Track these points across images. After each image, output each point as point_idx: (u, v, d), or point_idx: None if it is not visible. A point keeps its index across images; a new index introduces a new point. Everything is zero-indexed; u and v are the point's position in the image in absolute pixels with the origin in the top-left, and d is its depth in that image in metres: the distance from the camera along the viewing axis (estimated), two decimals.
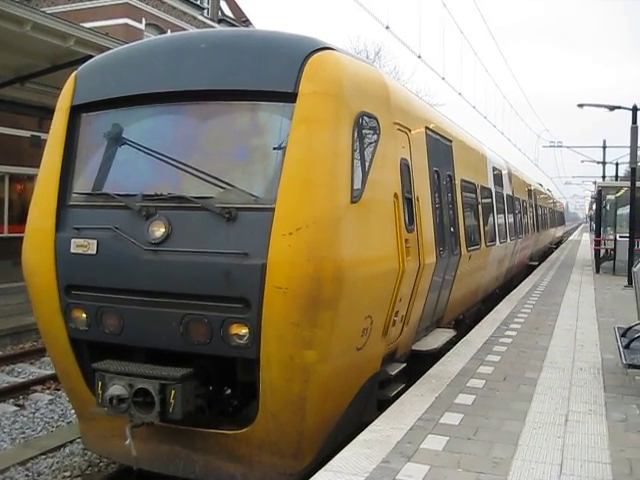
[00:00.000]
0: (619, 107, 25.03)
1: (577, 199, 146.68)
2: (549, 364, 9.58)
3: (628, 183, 24.73)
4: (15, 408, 11.60)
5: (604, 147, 54.22)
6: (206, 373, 6.96)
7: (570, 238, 71.21)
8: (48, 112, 10.13)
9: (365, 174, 6.95)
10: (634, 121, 22.19)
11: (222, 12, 51.36)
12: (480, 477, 5.46)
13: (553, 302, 16.49)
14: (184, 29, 40.33)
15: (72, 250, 7.01)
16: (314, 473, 5.63)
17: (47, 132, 7.93)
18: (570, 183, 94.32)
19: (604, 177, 54.26)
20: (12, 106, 22.95)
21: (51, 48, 18.36)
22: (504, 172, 18.80)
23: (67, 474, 8.81)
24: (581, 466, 5.74)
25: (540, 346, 10.88)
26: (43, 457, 9.31)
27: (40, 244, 7.23)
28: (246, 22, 53.00)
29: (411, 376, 8.74)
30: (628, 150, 28.93)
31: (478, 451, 6.05)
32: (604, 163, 54.37)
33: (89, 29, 20.00)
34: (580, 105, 27.78)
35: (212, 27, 44.45)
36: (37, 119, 25.28)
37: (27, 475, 8.76)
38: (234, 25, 48.63)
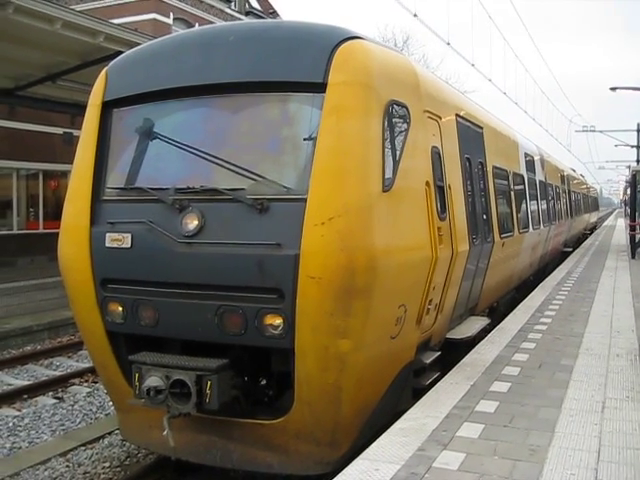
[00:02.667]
0: None
1: (611, 184, 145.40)
2: (585, 351, 9.49)
3: None
4: (54, 401, 11.81)
5: (638, 131, 53.41)
6: (241, 364, 7.00)
7: (604, 224, 70.29)
8: (80, 109, 10.23)
9: (396, 163, 6.93)
10: None
11: (249, 4, 51.45)
12: (517, 464, 5.43)
13: (588, 289, 16.31)
14: (212, 22, 40.47)
15: (107, 244, 7.08)
16: (350, 461, 5.65)
17: (79, 129, 8.01)
18: (604, 168, 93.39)
19: (638, 161, 53.48)
20: (44, 104, 23.27)
21: (81, 45, 18.54)
22: (536, 158, 18.62)
23: (106, 465, 8.95)
24: (619, 453, 5.69)
25: (575, 333, 10.78)
26: (83, 448, 9.47)
27: (75, 239, 7.32)
28: (273, 14, 53.00)
29: (445, 364, 8.73)
30: None
31: (514, 438, 6.02)
32: (638, 147, 53.58)
33: (118, 25, 20.17)
34: (613, 88, 27.38)
35: (240, 20, 44.53)
36: (69, 116, 25.60)
37: (67, 466, 8.92)
38: (262, 17, 48.67)
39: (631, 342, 10.12)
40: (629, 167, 49.73)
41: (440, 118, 8.55)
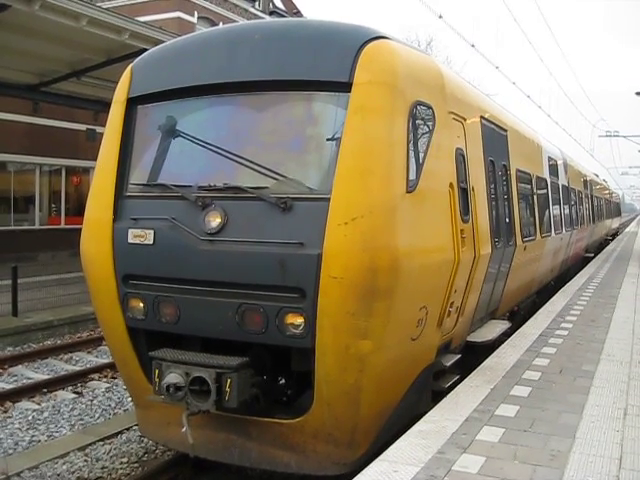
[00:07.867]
0: None
1: (634, 190, 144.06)
2: (606, 357, 9.40)
3: None
4: (74, 395, 11.88)
5: None
6: (261, 362, 7.01)
7: (626, 230, 69.72)
8: (103, 105, 10.31)
9: (420, 164, 6.90)
10: None
11: (273, 4, 51.53)
12: (537, 469, 5.38)
13: (609, 294, 16.17)
14: (236, 21, 40.56)
15: (129, 240, 7.10)
16: (368, 463, 5.62)
17: (102, 125, 8.05)
18: (627, 174, 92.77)
19: None
20: (68, 100, 23.47)
21: (106, 42, 18.69)
22: (560, 162, 18.50)
23: (124, 460, 8.98)
24: None
25: (597, 339, 10.68)
26: (101, 443, 9.51)
27: (98, 234, 7.34)
28: (297, 14, 53.06)
29: (466, 368, 8.68)
30: None
31: (535, 443, 5.97)
32: None
33: (143, 23, 20.28)
34: (638, 93, 27.17)
35: (263, 19, 44.59)
36: (92, 112, 25.80)
37: (86, 460, 8.96)
38: (285, 17, 48.71)
39: None
40: None
41: (465, 120, 8.50)
